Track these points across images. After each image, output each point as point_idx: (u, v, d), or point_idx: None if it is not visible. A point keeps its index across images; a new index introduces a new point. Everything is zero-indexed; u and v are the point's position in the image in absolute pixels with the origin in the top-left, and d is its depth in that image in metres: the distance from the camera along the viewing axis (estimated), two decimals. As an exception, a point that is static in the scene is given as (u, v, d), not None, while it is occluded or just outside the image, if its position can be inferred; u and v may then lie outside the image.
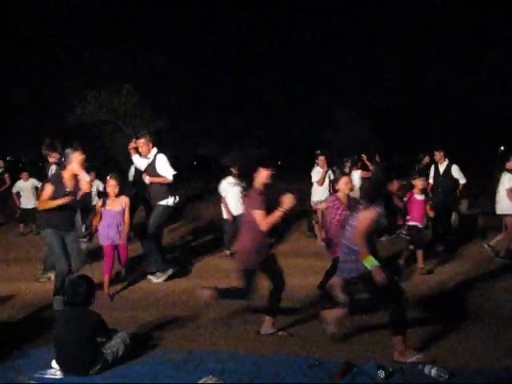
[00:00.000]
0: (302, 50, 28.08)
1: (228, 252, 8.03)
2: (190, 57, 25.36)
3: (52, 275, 6.77)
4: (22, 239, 9.75)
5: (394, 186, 5.93)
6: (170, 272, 6.61)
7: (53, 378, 3.87)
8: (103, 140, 17.89)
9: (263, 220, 4.51)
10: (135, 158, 7.03)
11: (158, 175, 6.75)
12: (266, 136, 27.54)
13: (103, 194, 8.33)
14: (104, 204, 6.32)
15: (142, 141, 6.93)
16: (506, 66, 23.99)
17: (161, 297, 5.86)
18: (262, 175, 4.73)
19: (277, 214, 4.49)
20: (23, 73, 23.90)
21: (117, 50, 24.05)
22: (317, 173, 9.11)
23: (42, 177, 7.44)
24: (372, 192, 4.56)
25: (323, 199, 8.17)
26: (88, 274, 4.37)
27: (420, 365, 3.93)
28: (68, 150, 5.61)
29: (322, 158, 9.09)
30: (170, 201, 6.72)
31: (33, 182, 10.19)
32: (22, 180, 10.35)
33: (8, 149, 26.06)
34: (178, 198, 6.86)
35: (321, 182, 8.97)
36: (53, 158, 7.00)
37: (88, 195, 7.82)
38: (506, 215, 7.61)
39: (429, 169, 9.03)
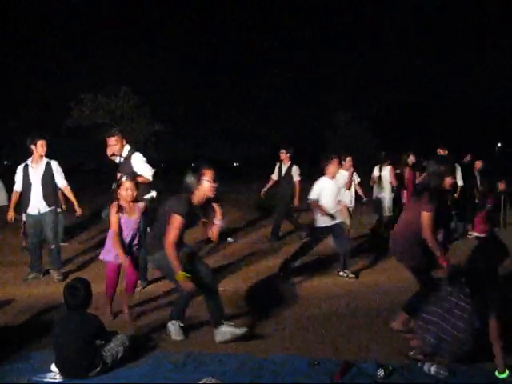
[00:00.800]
0: (302, 51, 28.06)
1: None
2: (189, 57, 25.35)
3: (37, 274, 6.91)
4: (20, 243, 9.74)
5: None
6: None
7: (52, 382, 3.87)
8: (100, 142, 17.77)
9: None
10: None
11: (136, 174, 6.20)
12: (266, 136, 27.56)
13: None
14: (120, 210, 5.16)
15: (113, 139, 6.40)
16: (506, 65, 23.98)
17: (160, 298, 5.85)
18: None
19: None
20: (23, 73, 23.89)
21: (115, 52, 24.00)
22: (341, 176, 7.92)
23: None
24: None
25: (352, 205, 8.14)
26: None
27: (420, 363, 3.93)
28: None
29: (349, 159, 8.34)
30: (153, 193, 6.35)
31: None
32: None
33: (4, 153, 26.04)
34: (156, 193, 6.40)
35: (348, 186, 8.19)
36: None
37: None
38: None
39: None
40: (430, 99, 27.00)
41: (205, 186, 4.46)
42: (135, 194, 5.20)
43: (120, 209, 5.12)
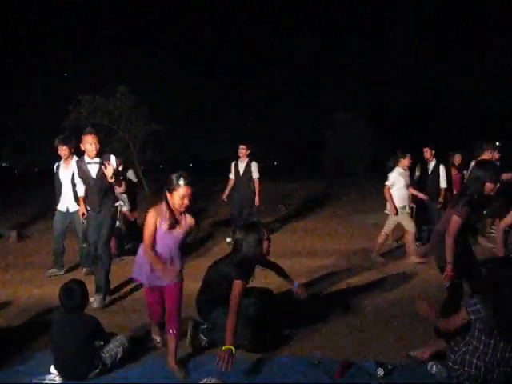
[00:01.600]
0: (302, 51, 28.06)
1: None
2: (189, 57, 25.36)
3: (57, 271, 7.06)
4: (20, 244, 9.71)
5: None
6: None
7: (52, 383, 3.87)
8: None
9: None
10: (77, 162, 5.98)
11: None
12: (265, 136, 27.60)
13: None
14: (164, 220, 3.91)
15: (91, 137, 5.74)
16: (506, 65, 23.99)
17: None
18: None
19: None
20: (23, 73, 23.91)
21: (115, 52, 23.99)
22: (400, 175, 7.64)
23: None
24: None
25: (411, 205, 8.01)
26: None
27: (422, 362, 3.90)
28: None
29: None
30: (119, 202, 6.25)
31: None
32: None
33: (3, 154, 26.08)
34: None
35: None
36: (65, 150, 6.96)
37: None
38: None
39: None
40: (430, 99, 26.98)
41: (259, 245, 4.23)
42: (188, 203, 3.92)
43: (165, 218, 3.91)
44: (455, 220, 4.21)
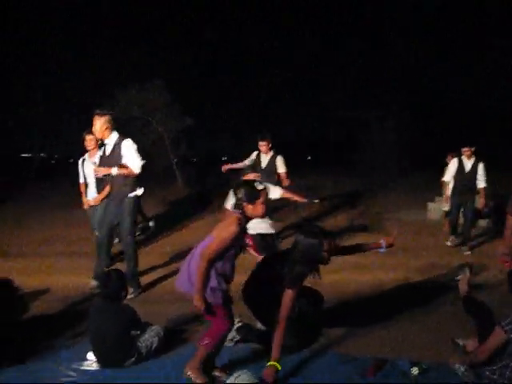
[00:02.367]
0: (302, 51, 28.08)
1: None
2: (189, 57, 25.37)
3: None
4: (60, 232, 9.85)
5: None
6: None
7: (89, 370, 3.89)
8: (133, 136, 17.41)
9: None
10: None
11: (121, 165, 5.65)
12: (296, 133, 27.43)
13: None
14: (243, 222, 3.58)
15: (102, 120, 5.57)
16: (506, 65, 24.09)
17: None
18: None
19: None
20: (23, 73, 23.85)
21: (115, 52, 23.96)
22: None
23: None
24: None
25: None
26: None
27: (456, 363, 3.82)
28: None
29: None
30: (139, 191, 5.85)
31: None
32: None
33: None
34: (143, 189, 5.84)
35: None
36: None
37: None
38: None
39: None
40: (430, 99, 27.05)
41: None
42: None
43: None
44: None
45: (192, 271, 3.63)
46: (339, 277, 6.44)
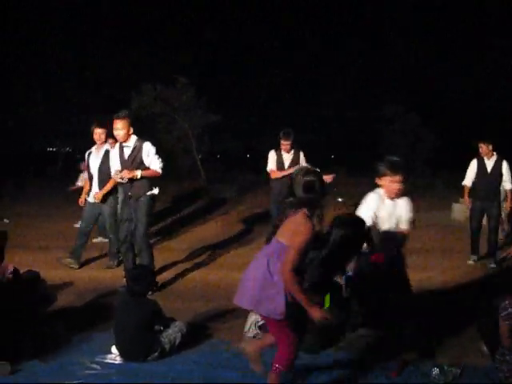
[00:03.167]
0: (302, 51, 28.07)
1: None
2: (189, 57, 25.35)
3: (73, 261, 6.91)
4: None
5: None
6: None
7: (113, 363, 3.90)
8: (158, 133, 17.34)
9: None
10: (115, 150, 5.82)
11: (144, 167, 5.62)
12: (320, 130, 27.39)
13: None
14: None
15: (122, 122, 5.51)
16: (506, 65, 24.14)
17: (214, 287, 5.86)
18: None
19: None
20: (23, 73, 23.82)
21: (115, 52, 23.94)
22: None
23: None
24: None
25: None
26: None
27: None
28: None
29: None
30: (155, 191, 5.76)
31: None
32: None
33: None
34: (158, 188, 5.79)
35: None
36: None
37: None
38: None
39: None
40: (430, 99, 27.09)
41: None
42: None
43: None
44: None
45: (250, 285, 3.24)
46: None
